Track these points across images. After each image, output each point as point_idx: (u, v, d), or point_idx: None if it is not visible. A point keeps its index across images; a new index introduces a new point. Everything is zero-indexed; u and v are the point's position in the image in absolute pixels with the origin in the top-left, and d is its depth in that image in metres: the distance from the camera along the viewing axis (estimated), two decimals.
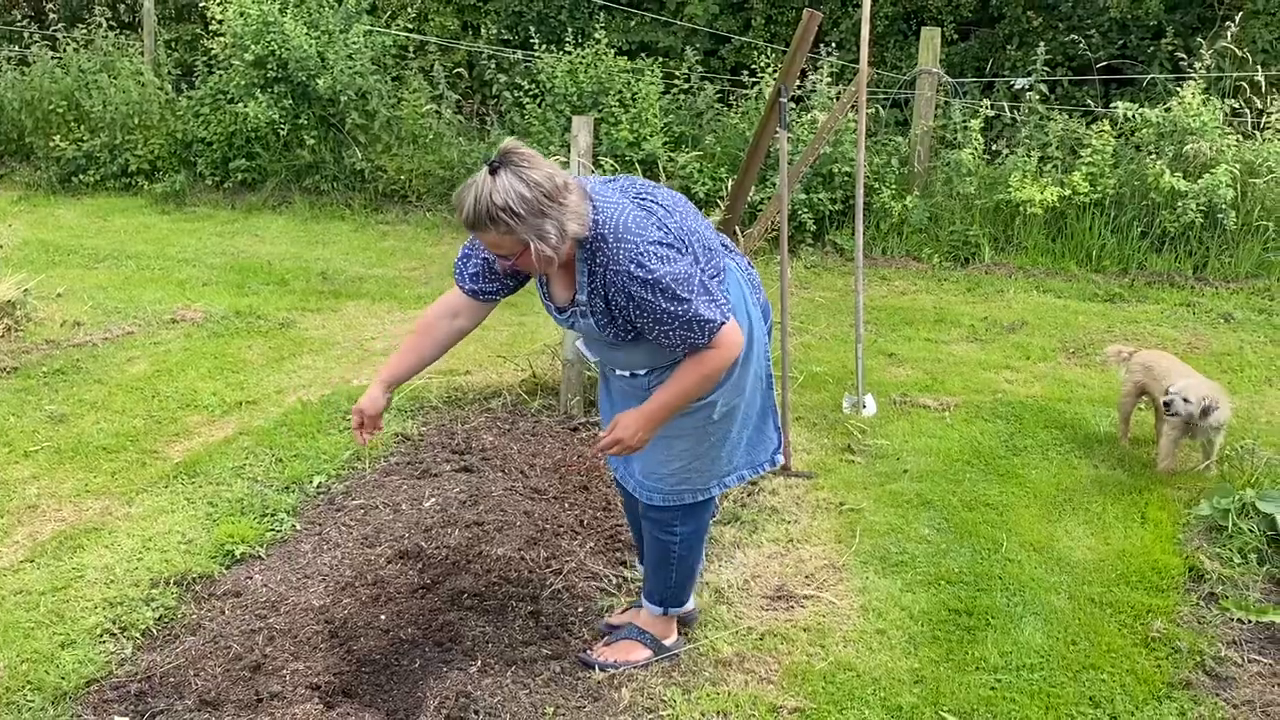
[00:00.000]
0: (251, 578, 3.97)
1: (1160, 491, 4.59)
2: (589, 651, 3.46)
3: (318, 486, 4.67)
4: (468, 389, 5.65)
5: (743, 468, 3.28)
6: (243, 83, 9.84)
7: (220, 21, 9.96)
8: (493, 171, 2.70)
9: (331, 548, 4.14)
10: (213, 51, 10.23)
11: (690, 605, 3.53)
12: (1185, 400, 4.52)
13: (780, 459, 3.38)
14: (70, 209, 9.95)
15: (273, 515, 4.41)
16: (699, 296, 2.80)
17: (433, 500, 4.44)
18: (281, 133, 9.87)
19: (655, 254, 2.77)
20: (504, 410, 5.37)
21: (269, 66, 9.70)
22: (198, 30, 11.39)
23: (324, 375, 6.00)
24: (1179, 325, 6.78)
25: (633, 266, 2.77)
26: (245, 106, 9.67)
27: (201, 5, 10.62)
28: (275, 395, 5.71)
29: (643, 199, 2.93)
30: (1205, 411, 4.51)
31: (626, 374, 3.15)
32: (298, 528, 4.32)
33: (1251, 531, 4.09)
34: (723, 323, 2.84)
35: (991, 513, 4.45)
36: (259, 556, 4.11)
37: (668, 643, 3.47)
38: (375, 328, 6.81)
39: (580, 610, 3.72)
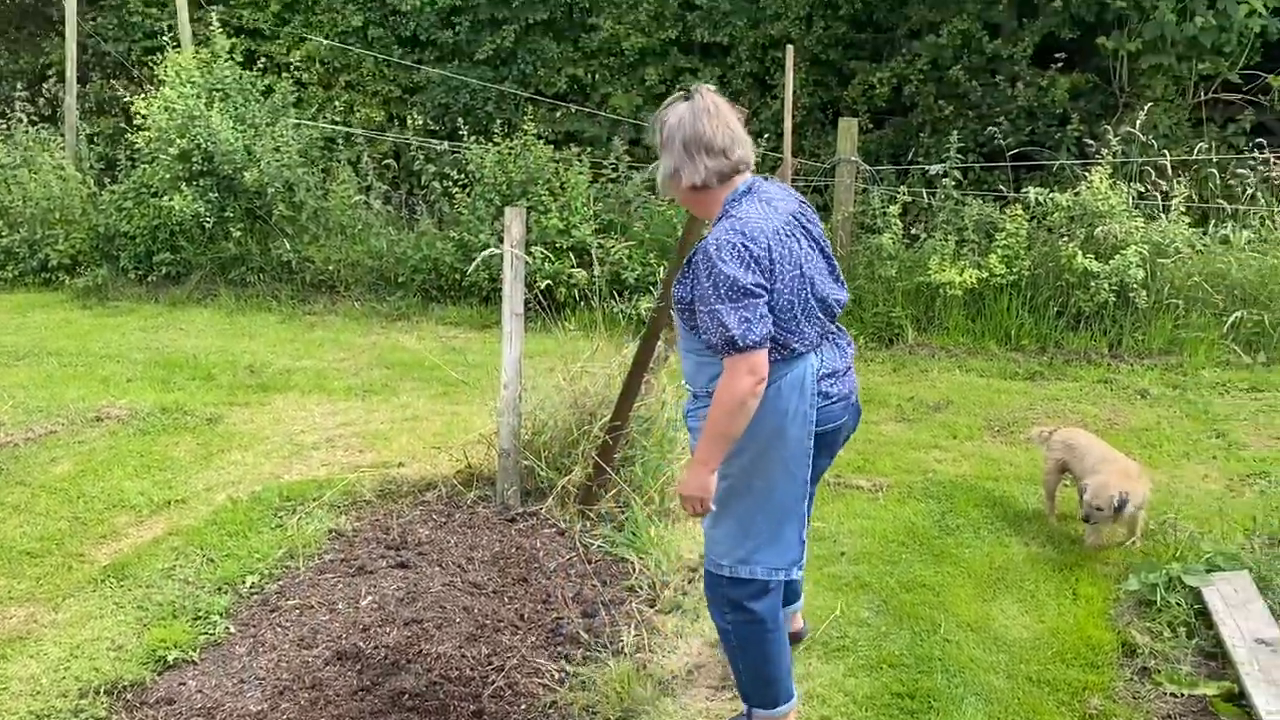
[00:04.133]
0: (185, 684, 3.87)
1: (1090, 567, 4.69)
2: None
3: (251, 586, 4.58)
4: (402, 481, 5.61)
5: (758, 564, 3.28)
6: (167, 176, 9.79)
7: (144, 116, 9.93)
8: (686, 98, 3.29)
9: (267, 650, 4.06)
10: (136, 145, 10.17)
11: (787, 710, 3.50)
12: (1098, 509, 4.69)
13: (799, 573, 3.43)
14: None
15: (205, 618, 4.31)
16: (733, 306, 3.00)
17: (369, 598, 4.39)
18: (207, 225, 9.81)
19: (735, 252, 3.03)
20: (440, 502, 5.34)
21: (194, 160, 9.68)
22: (121, 124, 11.34)
23: (254, 471, 5.91)
24: (1098, 402, 6.97)
25: (713, 242, 3.06)
26: (170, 200, 9.61)
27: (125, 100, 10.58)
28: (204, 493, 5.61)
29: (786, 235, 3.15)
30: (1120, 507, 4.66)
31: (690, 396, 3.35)
32: (232, 630, 4.23)
33: (1179, 605, 4.20)
34: (740, 342, 2.99)
35: (928, 593, 4.51)
36: (192, 661, 4.02)
37: None
38: (305, 420, 6.75)
39: (524, 708, 3.69)
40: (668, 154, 3.23)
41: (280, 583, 4.61)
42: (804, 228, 3.26)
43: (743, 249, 3.03)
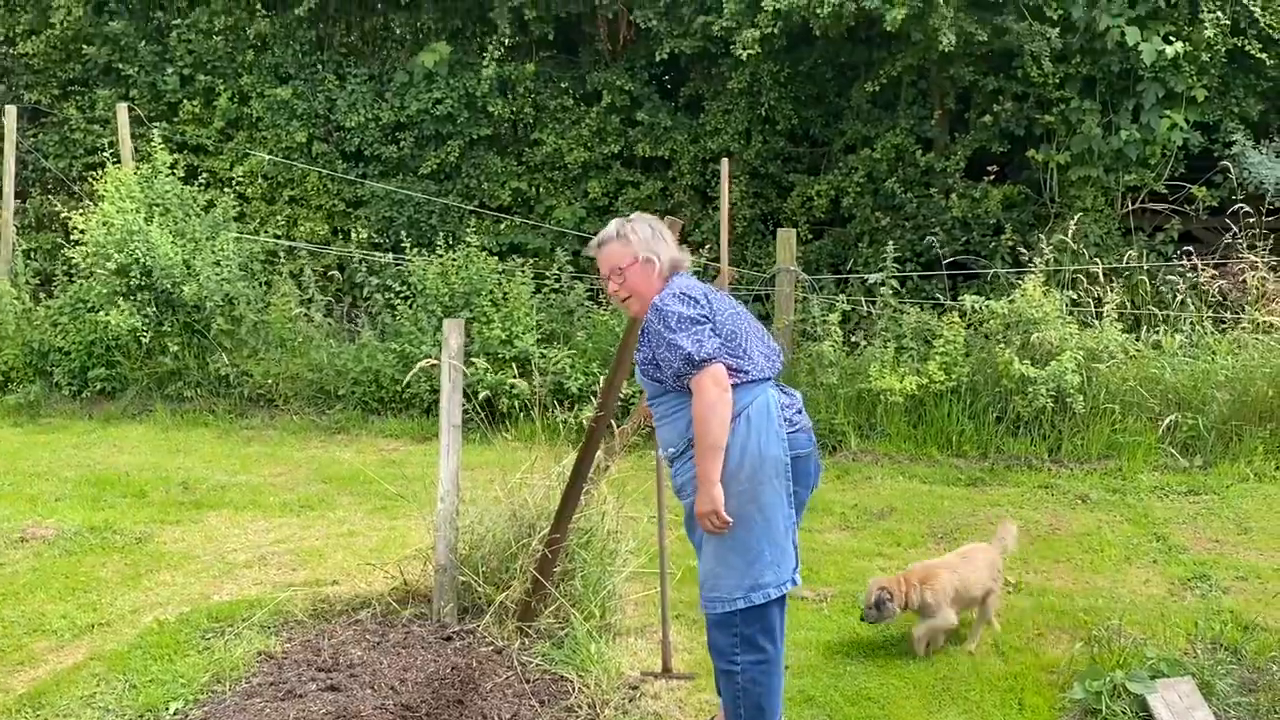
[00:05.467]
0: None
1: (1035, 676, 4.64)
2: None
3: (174, 713, 4.40)
4: (335, 600, 5.45)
5: (769, 585, 3.64)
6: (104, 291, 9.69)
7: (82, 231, 9.86)
8: (626, 220, 3.89)
9: None
10: (73, 261, 10.07)
11: None
12: (866, 608, 4.82)
13: (799, 579, 3.79)
14: None
15: None
16: (684, 333, 3.58)
17: None
18: (144, 340, 9.68)
19: (678, 299, 3.67)
20: (374, 621, 5.18)
21: (132, 274, 9.58)
22: (58, 239, 11.26)
23: (182, 592, 5.73)
24: (1039, 507, 6.99)
25: (659, 300, 3.70)
26: (106, 315, 9.48)
27: (64, 216, 10.52)
28: (130, 615, 5.42)
29: (714, 293, 3.81)
30: (877, 605, 4.75)
31: (668, 460, 3.84)
32: None
33: (1124, 713, 4.16)
34: (696, 356, 3.53)
35: (874, 706, 4.43)
36: None
37: None
38: (238, 539, 6.58)
39: None
40: (649, 246, 3.81)
41: (205, 709, 4.42)
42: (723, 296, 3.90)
43: (683, 295, 3.69)
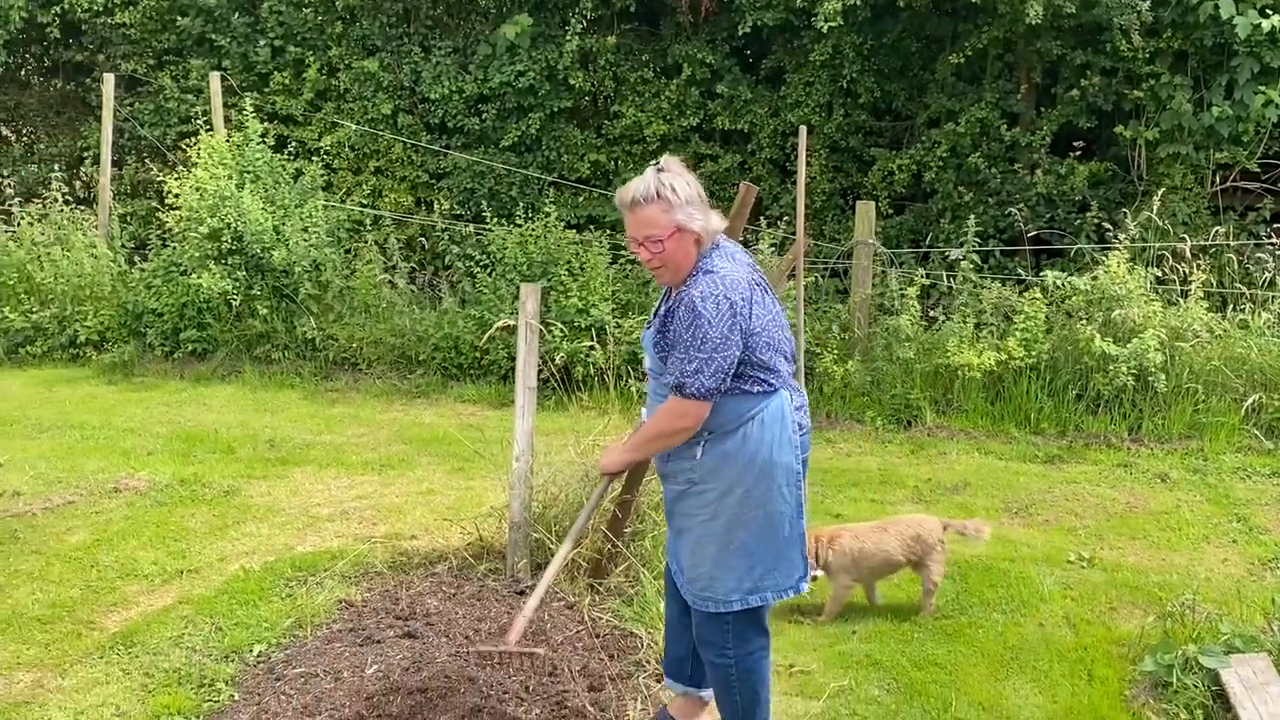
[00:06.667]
0: None
1: (1105, 649, 4.62)
2: None
3: (258, 655, 4.57)
4: (413, 553, 5.60)
5: (768, 589, 3.50)
6: (196, 254, 9.97)
7: (176, 195, 10.15)
8: (659, 170, 3.40)
9: (270, 718, 4.03)
10: (167, 225, 10.37)
11: None
12: None
13: (805, 587, 3.61)
14: (15, 380, 9.89)
15: (210, 685, 4.31)
16: (699, 356, 3.28)
17: (375, 667, 4.36)
18: (234, 303, 9.95)
19: (716, 304, 3.29)
20: (450, 574, 5.32)
21: (223, 239, 9.85)
22: (153, 205, 11.59)
23: (267, 542, 5.93)
24: (1117, 485, 6.90)
25: (698, 294, 3.31)
26: (198, 278, 9.77)
27: (158, 181, 10.83)
28: (217, 563, 5.63)
29: (755, 284, 3.45)
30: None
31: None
32: (236, 698, 4.22)
33: (1195, 687, 4.12)
34: (685, 389, 3.30)
35: (940, 672, 4.45)
36: None
37: None
38: (322, 494, 6.77)
39: None
40: (686, 210, 3.38)
41: (287, 651, 4.59)
42: (761, 276, 3.56)
43: (723, 300, 3.30)
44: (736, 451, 3.40)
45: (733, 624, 3.50)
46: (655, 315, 3.57)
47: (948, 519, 5.27)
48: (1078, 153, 9.93)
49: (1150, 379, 7.77)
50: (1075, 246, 9.52)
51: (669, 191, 3.36)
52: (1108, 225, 9.21)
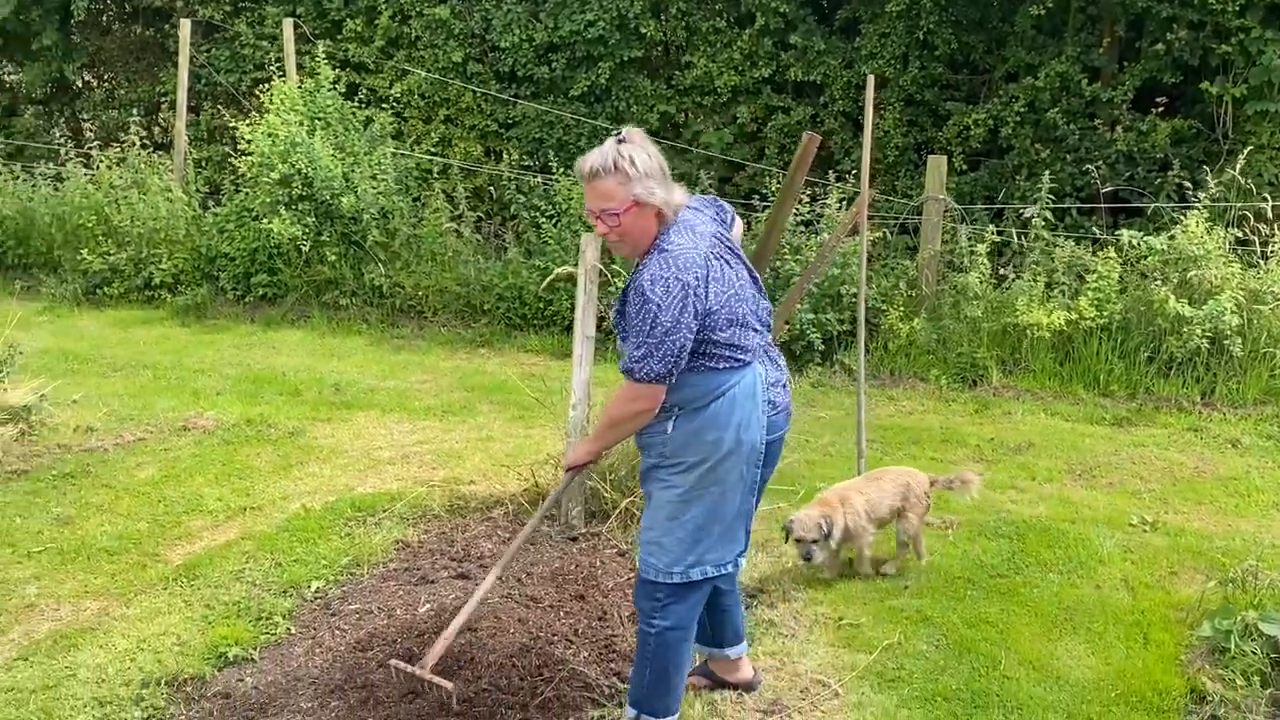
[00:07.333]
0: (243, 680, 3.96)
1: (1163, 613, 4.54)
2: None
3: (315, 591, 4.67)
4: (470, 498, 5.68)
5: (707, 563, 3.44)
6: (268, 200, 10.10)
7: (249, 141, 10.28)
8: (619, 141, 3.27)
9: (324, 651, 4.13)
10: (240, 170, 10.52)
11: None
12: (799, 540, 4.65)
13: (744, 562, 3.58)
14: (92, 320, 10.15)
15: (268, 618, 4.41)
16: (648, 342, 3.16)
17: (428, 606, 4.44)
18: (303, 249, 10.08)
19: (666, 287, 3.17)
20: (505, 519, 5.38)
21: (294, 185, 9.97)
22: (228, 150, 11.75)
23: (330, 483, 6.03)
24: (1186, 449, 6.75)
25: (648, 278, 3.19)
26: (269, 223, 9.90)
27: (232, 127, 10.97)
28: (280, 501, 5.74)
29: (715, 257, 3.33)
30: (826, 537, 4.65)
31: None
32: (292, 631, 4.32)
33: (1254, 653, 4.03)
34: (634, 374, 3.20)
35: (991, 630, 4.41)
36: (251, 659, 4.11)
37: None
38: (384, 438, 6.87)
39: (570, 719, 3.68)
40: (645, 184, 3.25)
41: (344, 588, 4.69)
42: (726, 246, 3.45)
43: (674, 282, 3.18)
44: (705, 428, 3.33)
45: (665, 596, 3.44)
46: (617, 303, 3.47)
47: (935, 475, 5.22)
48: (1160, 109, 9.62)
49: (1225, 342, 7.56)
50: (1154, 206, 9.27)
51: (628, 164, 3.23)
52: (1189, 184, 8.94)
